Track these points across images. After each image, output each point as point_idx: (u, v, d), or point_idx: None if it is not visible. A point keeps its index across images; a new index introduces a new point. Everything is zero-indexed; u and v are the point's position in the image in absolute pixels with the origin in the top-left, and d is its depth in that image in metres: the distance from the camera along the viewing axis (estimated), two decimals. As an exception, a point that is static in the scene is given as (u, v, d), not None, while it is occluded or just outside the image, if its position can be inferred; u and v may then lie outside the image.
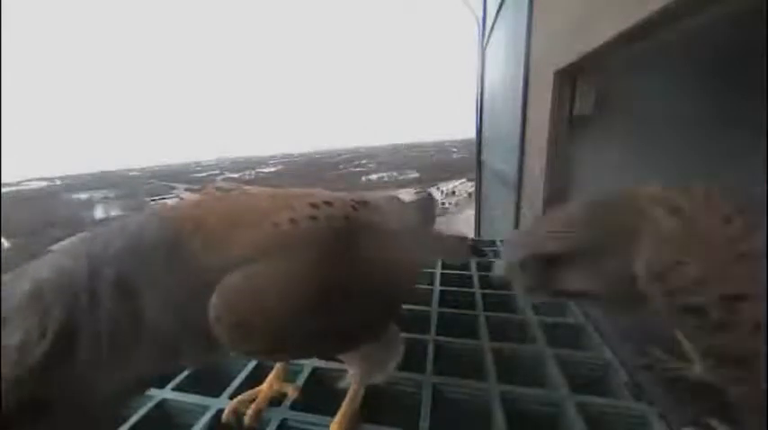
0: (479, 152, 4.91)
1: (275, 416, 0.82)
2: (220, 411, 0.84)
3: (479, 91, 4.59)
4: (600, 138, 1.69)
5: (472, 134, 5.15)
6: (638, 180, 0.67)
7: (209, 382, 0.94)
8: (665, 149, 1.41)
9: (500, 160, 3.35)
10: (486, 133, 4.47)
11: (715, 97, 1.24)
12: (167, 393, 0.91)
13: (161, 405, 0.89)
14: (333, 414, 0.78)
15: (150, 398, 0.89)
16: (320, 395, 0.89)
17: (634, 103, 1.55)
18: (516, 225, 2.60)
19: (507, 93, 2.96)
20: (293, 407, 0.85)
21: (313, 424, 0.80)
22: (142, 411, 0.86)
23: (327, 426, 0.77)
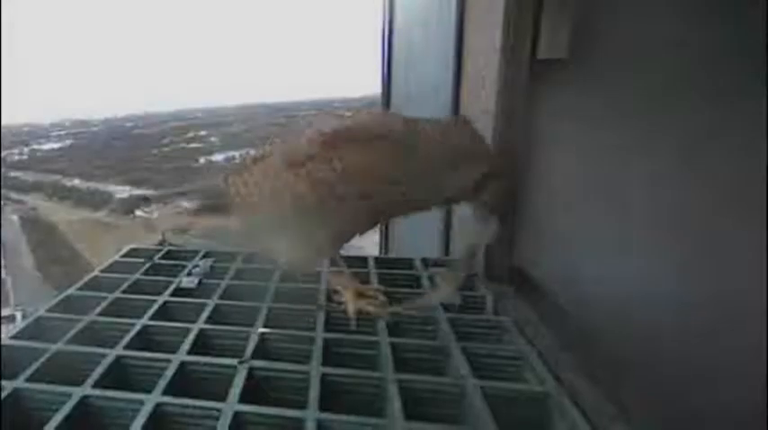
0: (387, 118, 4.89)
1: None
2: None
3: (387, 22, 4.51)
4: (576, 93, 1.72)
5: (376, 90, 5.10)
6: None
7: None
8: (666, 105, 1.46)
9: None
10: (398, 88, 4.45)
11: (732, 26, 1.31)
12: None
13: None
14: None
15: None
16: None
17: (627, 40, 1.59)
18: (447, 232, 2.57)
19: (432, 25, 2.94)
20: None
21: None
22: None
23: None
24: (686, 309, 1.35)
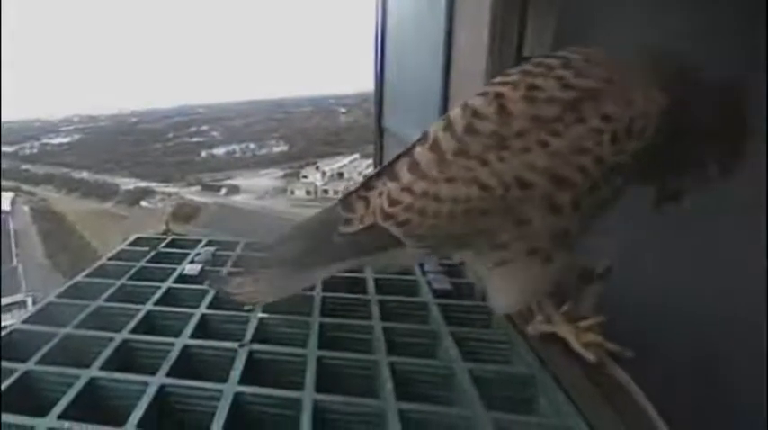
0: (380, 113, 4.88)
1: None
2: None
3: (380, 22, 4.52)
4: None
5: (369, 87, 5.08)
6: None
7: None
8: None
9: (412, 125, 3.32)
10: (390, 85, 4.44)
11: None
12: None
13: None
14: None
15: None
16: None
17: (610, 41, 1.58)
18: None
19: (423, 23, 2.92)
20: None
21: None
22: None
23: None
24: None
